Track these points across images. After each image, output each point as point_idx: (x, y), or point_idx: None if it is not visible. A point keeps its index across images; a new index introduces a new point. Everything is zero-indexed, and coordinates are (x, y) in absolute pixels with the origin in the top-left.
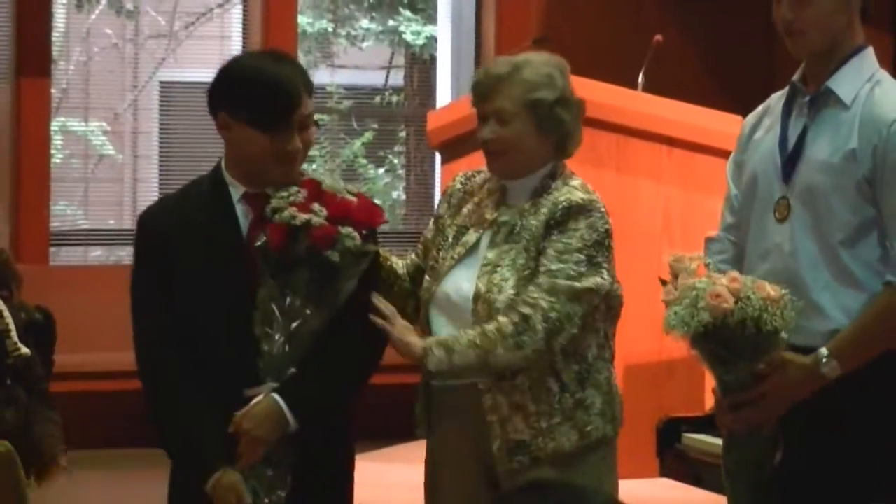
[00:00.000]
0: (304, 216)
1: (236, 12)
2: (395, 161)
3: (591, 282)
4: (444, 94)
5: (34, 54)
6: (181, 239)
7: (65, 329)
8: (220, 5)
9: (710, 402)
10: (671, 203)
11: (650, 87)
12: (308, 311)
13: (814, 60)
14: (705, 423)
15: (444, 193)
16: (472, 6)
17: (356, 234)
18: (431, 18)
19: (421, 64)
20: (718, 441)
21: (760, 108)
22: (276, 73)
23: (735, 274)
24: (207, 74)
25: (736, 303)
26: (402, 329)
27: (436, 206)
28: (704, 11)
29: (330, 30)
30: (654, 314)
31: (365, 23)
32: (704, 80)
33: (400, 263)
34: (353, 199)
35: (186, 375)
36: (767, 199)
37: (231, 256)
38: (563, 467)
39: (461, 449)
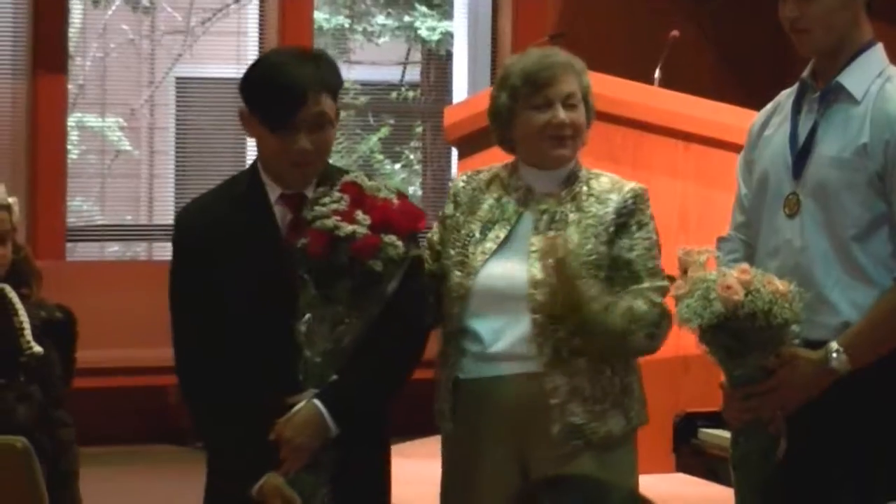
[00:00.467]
0: (348, 227)
1: (253, 8)
2: (412, 157)
3: (666, 281)
4: (460, 89)
5: (51, 50)
6: (219, 238)
7: (80, 324)
8: (236, 1)
9: None
10: (687, 198)
11: (666, 83)
12: (351, 318)
13: (822, 57)
14: (721, 419)
15: (449, 194)
16: (488, 2)
17: (399, 243)
18: (447, 14)
19: (437, 59)
20: None
21: (769, 105)
22: (286, 72)
23: (745, 266)
24: (224, 70)
25: (746, 294)
26: None
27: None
28: (721, 6)
29: (346, 25)
30: (670, 309)
31: (381, 18)
32: (721, 76)
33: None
34: (395, 198)
35: (223, 375)
36: (777, 196)
37: (270, 258)
38: (609, 451)
39: (496, 439)
